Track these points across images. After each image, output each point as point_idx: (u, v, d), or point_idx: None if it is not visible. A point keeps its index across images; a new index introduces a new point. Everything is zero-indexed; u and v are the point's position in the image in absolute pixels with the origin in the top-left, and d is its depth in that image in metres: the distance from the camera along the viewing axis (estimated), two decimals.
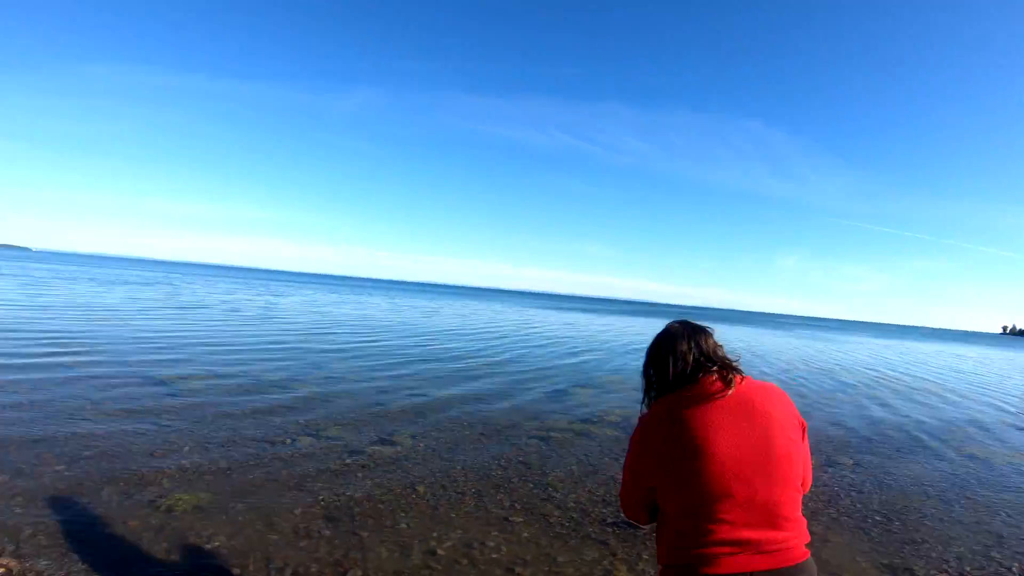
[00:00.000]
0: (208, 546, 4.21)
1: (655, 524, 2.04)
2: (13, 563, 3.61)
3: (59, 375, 9.20)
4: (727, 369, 1.93)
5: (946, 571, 4.75)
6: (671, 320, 2.14)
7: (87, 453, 5.81)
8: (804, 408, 12.63)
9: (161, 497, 4.96)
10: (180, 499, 4.97)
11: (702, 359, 1.94)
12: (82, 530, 4.19)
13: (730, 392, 1.86)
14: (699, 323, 2.11)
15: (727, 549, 1.74)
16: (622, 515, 5.64)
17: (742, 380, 1.92)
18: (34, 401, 7.57)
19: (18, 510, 4.40)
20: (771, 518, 1.79)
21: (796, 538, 1.82)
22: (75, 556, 3.79)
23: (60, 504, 4.60)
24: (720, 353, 1.99)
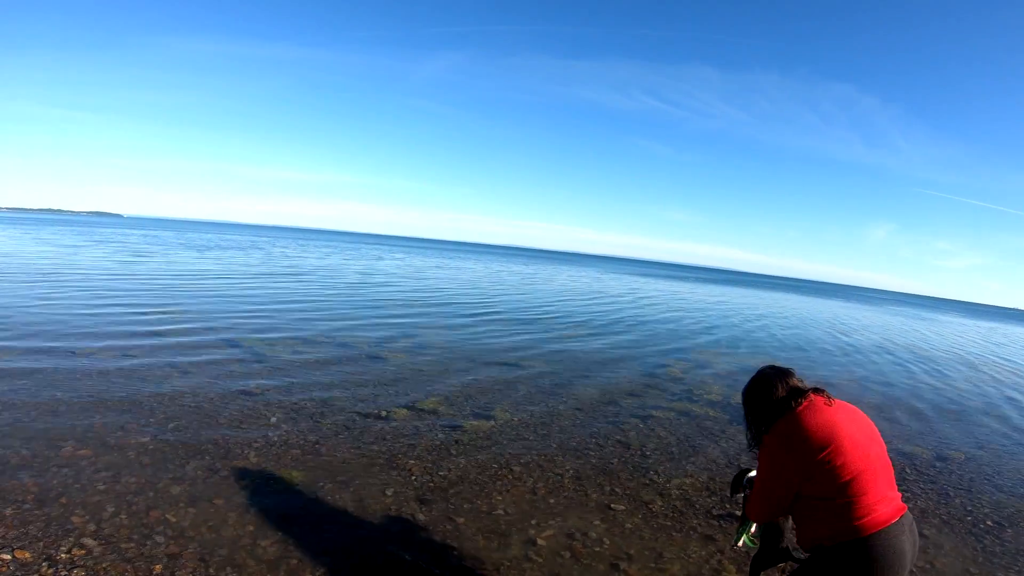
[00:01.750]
0: (295, 529, 3.98)
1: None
2: (93, 544, 3.47)
3: (148, 343, 9.30)
4: (820, 391, 2.54)
5: None
6: (762, 367, 2.75)
7: (172, 425, 5.69)
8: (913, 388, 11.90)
9: (248, 474, 4.79)
10: (267, 476, 4.79)
11: (790, 393, 2.53)
12: (166, 509, 4.02)
13: (833, 403, 2.49)
14: (783, 366, 2.68)
15: (880, 507, 2.30)
16: (729, 507, 5.22)
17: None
18: (122, 368, 7.51)
19: (101, 486, 4.26)
20: (890, 480, 2.42)
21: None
22: (158, 540, 3.61)
23: (143, 480, 4.44)
24: (805, 384, 2.59)
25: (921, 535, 4.87)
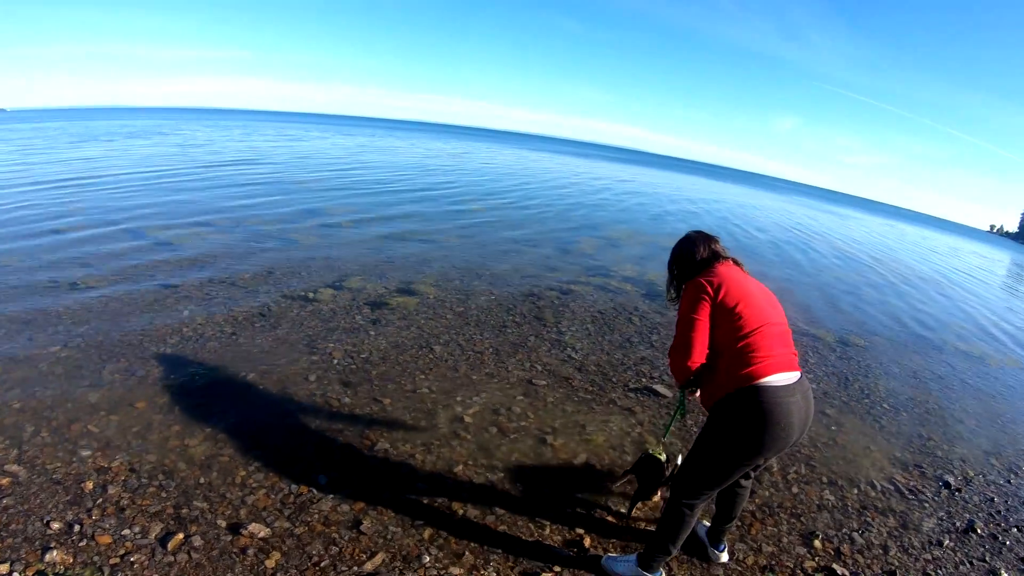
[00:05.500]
0: (221, 425, 3.98)
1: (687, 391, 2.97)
2: (18, 469, 3.33)
3: (47, 240, 8.52)
4: (738, 261, 2.83)
5: None
6: (690, 230, 3.00)
7: (81, 328, 5.36)
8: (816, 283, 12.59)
9: (167, 372, 4.67)
10: (187, 373, 4.69)
11: (712, 255, 2.81)
12: (87, 420, 3.89)
13: (744, 268, 2.82)
14: (709, 232, 2.93)
15: (775, 359, 2.48)
16: (648, 381, 5.58)
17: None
18: (21, 270, 6.91)
19: (16, 405, 4.00)
20: (789, 341, 2.63)
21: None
22: (84, 454, 3.52)
23: (59, 392, 4.21)
24: (726, 252, 2.87)
25: (823, 413, 5.40)
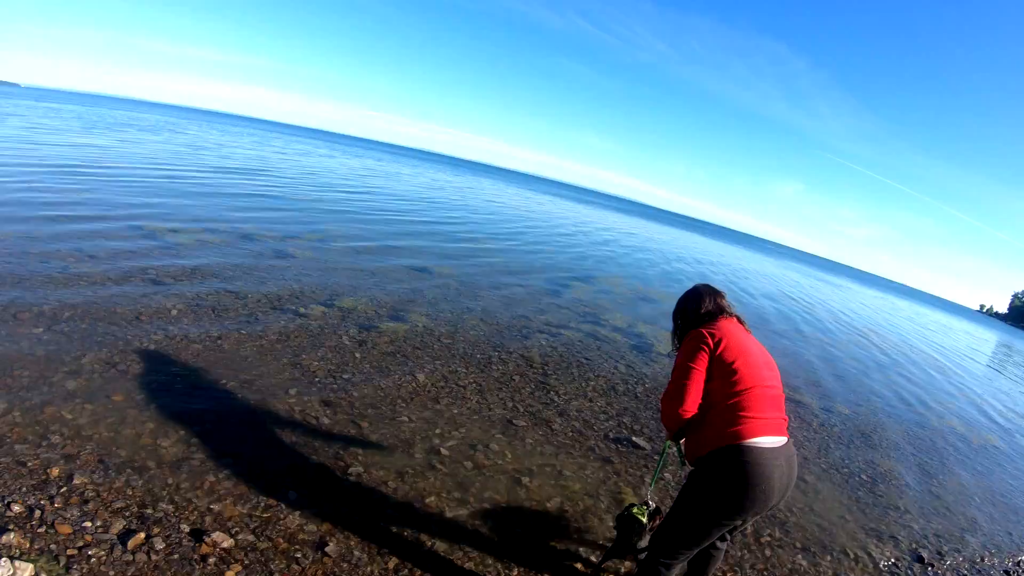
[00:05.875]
0: (196, 428, 3.91)
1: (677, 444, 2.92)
2: None
3: (48, 229, 8.48)
4: (741, 319, 2.89)
5: None
6: (697, 283, 3.09)
7: (68, 314, 5.31)
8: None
9: (148, 369, 4.60)
10: (168, 372, 4.63)
11: (718, 309, 2.88)
12: (61, 406, 3.82)
13: (747, 327, 2.87)
14: (717, 287, 3.00)
15: (765, 421, 2.47)
16: (629, 432, 5.56)
17: None
18: (15, 251, 6.89)
19: None
20: (780, 405, 2.62)
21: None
22: (54, 440, 3.44)
23: (37, 374, 4.15)
24: (731, 308, 2.92)
25: (802, 480, 5.38)
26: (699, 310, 2.88)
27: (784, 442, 2.52)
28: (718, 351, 2.60)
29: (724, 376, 2.56)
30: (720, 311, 2.87)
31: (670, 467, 4.33)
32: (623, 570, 3.48)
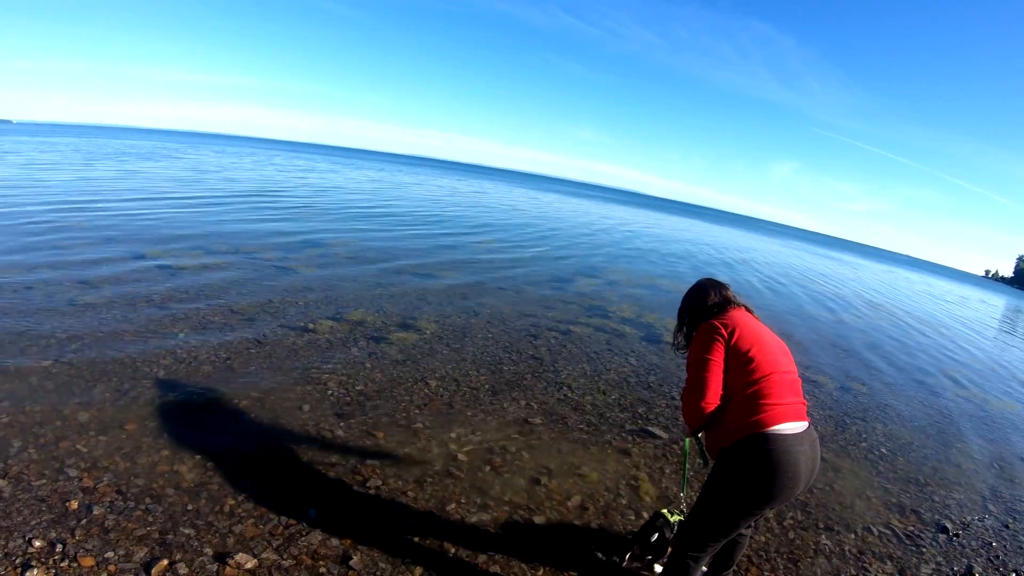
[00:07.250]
0: (212, 451, 3.90)
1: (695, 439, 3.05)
2: (3, 484, 3.24)
3: (48, 259, 8.56)
4: (749, 308, 2.87)
5: None
6: (701, 277, 3.08)
7: (74, 345, 5.31)
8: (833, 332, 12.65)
9: (158, 395, 4.59)
10: (178, 396, 4.62)
11: (724, 300, 2.84)
12: (76, 439, 3.81)
13: (756, 315, 2.86)
14: (720, 280, 2.99)
15: (785, 407, 2.45)
16: (644, 423, 5.53)
17: None
18: (19, 284, 6.92)
19: (4, 418, 3.94)
20: (798, 389, 2.61)
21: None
22: (71, 473, 3.44)
23: (49, 408, 4.14)
24: (737, 298, 2.90)
25: (820, 458, 5.35)
26: (705, 303, 2.85)
27: (806, 427, 2.49)
28: (732, 341, 2.57)
29: (740, 366, 2.53)
30: (727, 302, 2.83)
31: (695, 464, 4.29)
32: (652, 568, 3.45)
